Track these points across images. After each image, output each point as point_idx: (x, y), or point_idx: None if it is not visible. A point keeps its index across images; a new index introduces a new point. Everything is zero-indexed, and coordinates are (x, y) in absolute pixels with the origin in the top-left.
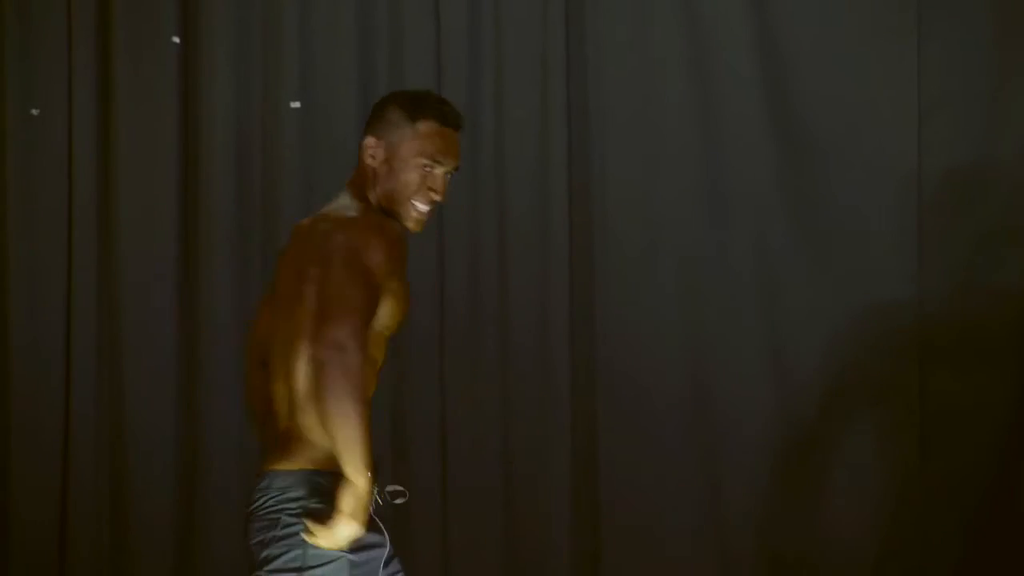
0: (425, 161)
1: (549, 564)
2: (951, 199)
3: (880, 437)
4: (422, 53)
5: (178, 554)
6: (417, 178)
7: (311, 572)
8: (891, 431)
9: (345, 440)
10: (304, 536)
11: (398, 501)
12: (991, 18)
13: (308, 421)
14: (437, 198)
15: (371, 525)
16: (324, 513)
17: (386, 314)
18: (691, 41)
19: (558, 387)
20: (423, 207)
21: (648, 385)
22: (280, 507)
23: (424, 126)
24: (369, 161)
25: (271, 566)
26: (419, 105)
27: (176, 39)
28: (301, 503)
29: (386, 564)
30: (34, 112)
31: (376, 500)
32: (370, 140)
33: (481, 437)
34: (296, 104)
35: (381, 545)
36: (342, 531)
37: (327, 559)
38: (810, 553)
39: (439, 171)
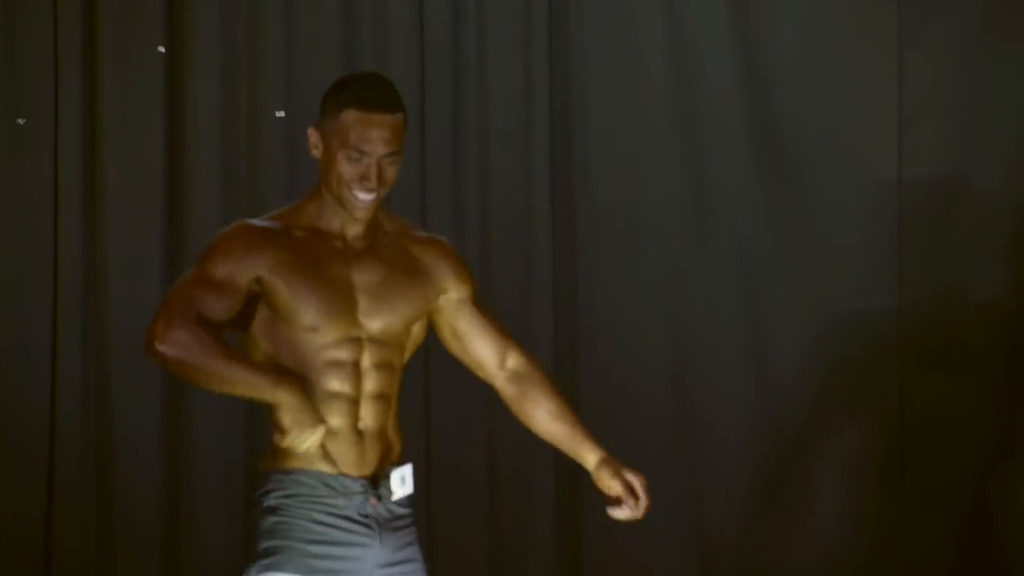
0: (350, 152)
1: (532, 569)
2: (931, 209)
3: (861, 445)
4: (406, 63)
5: (164, 554)
6: (348, 169)
7: None
8: (872, 439)
9: (235, 383)
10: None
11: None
12: (972, 28)
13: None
14: (370, 186)
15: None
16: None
17: (294, 312)
18: (673, 50)
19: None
20: (364, 196)
21: (631, 392)
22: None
23: (346, 115)
24: (313, 152)
25: None
26: (340, 93)
27: (162, 48)
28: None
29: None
30: (20, 122)
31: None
32: (311, 131)
33: (465, 445)
34: (281, 113)
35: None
36: (299, 441)
37: None
38: (792, 560)
39: (367, 160)
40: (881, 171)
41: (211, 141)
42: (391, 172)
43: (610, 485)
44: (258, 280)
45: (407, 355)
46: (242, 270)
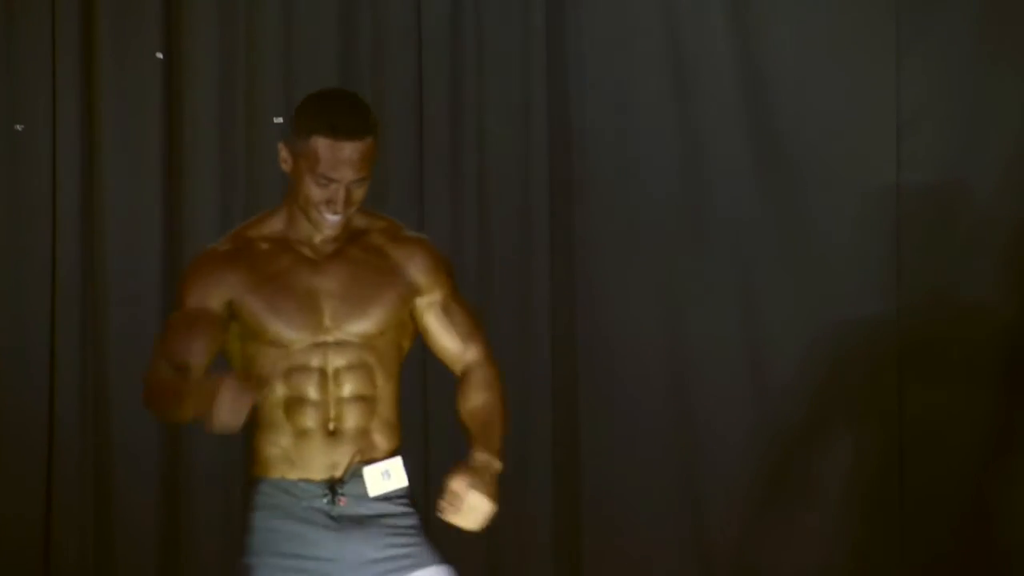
0: (318, 177)
1: (531, 571)
2: (929, 213)
3: (859, 451)
4: (404, 70)
5: (162, 557)
6: (316, 192)
7: None
8: (870, 445)
9: (186, 406)
10: None
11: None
12: (970, 34)
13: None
14: (337, 209)
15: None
16: None
17: (259, 327)
18: (671, 56)
19: (539, 402)
20: (332, 217)
21: (628, 399)
22: None
23: (315, 141)
24: (283, 166)
25: None
26: (309, 117)
27: (160, 55)
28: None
29: None
30: (18, 128)
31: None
32: (281, 146)
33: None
34: (279, 120)
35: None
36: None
37: None
38: (791, 563)
39: (335, 186)
40: (879, 175)
41: (209, 147)
42: (359, 194)
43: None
44: (230, 304)
45: (398, 352)
46: (213, 300)
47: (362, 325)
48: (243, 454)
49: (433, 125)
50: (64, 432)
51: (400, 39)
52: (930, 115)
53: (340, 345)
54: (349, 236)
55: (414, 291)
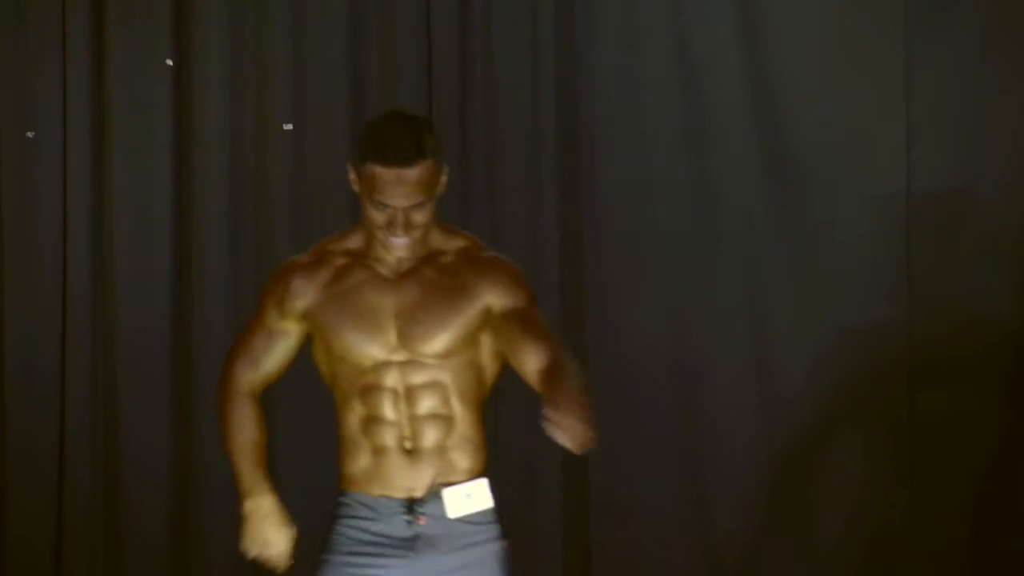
0: (375, 203)
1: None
2: (939, 221)
3: (869, 458)
4: (414, 77)
5: (173, 566)
6: (376, 216)
7: None
8: (880, 452)
9: (231, 462)
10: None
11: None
12: (978, 42)
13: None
14: (398, 233)
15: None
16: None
17: (329, 342)
18: (680, 66)
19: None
20: (396, 240)
21: (636, 404)
22: None
23: (369, 168)
24: (353, 187)
25: None
26: (365, 142)
27: (170, 62)
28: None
29: None
30: (29, 134)
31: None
32: (349, 168)
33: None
34: (289, 126)
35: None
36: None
37: None
38: (799, 570)
39: (391, 211)
40: (889, 183)
41: (219, 154)
42: (420, 218)
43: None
44: (305, 314)
45: (477, 372)
46: (289, 311)
47: (431, 345)
48: None
49: (441, 130)
50: (74, 446)
51: (409, 44)
52: (939, 122)
53: (411, 364)
54: (426, 256)
55: (489, 309)
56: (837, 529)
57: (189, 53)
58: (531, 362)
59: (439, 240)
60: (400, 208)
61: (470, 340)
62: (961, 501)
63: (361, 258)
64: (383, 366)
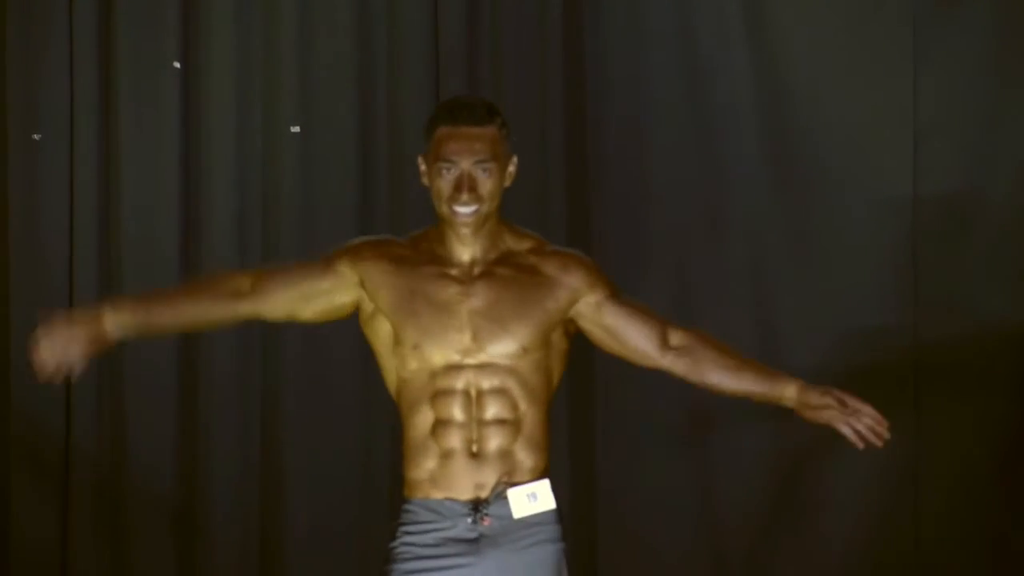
0: (442, 164)
1: None
2: (946, 225)
3: (875, 462)
4: (421, 79)
5: (178, 565)
6: (441, 184)
7: None
8: (886, 456)
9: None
10: None
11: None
12: (986, 45)
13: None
14: (464, 199)
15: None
16: None
17: (400, 329)
18: (688, 68)
19: (555, 407)
20: (461, 209)
21: (643, 407)
22: None
23: (438, 132)
24: (423, 181)
25: None
26: (436, 113)
27: (177, 64)
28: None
29: None
30: (36, 137)
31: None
32: (419, 160)
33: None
34: (296, 128)
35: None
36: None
37: None
38: (803, 573)
39: (457, 170)
40: (896, 187)
41: (226, 156)
42: (486, 184)
43: (819, 405)
44: (363, 284)
45: (545, 375)
46: (351, 267)
47: (506, 345)
48: (261, 468)
49: None
50: (80, 445)
51: (417, 47)
52: (946, 126)
53: (484, 368)
54: (498, 257)
55: (573, 299)
56: (842, 530)
57: (196, 55)
58: (646, 342)
59: (511, 241)
60: (465, 170)
61: (545, 337)
62: (967, 504)
63: (436, 257)
64: (456, 369)
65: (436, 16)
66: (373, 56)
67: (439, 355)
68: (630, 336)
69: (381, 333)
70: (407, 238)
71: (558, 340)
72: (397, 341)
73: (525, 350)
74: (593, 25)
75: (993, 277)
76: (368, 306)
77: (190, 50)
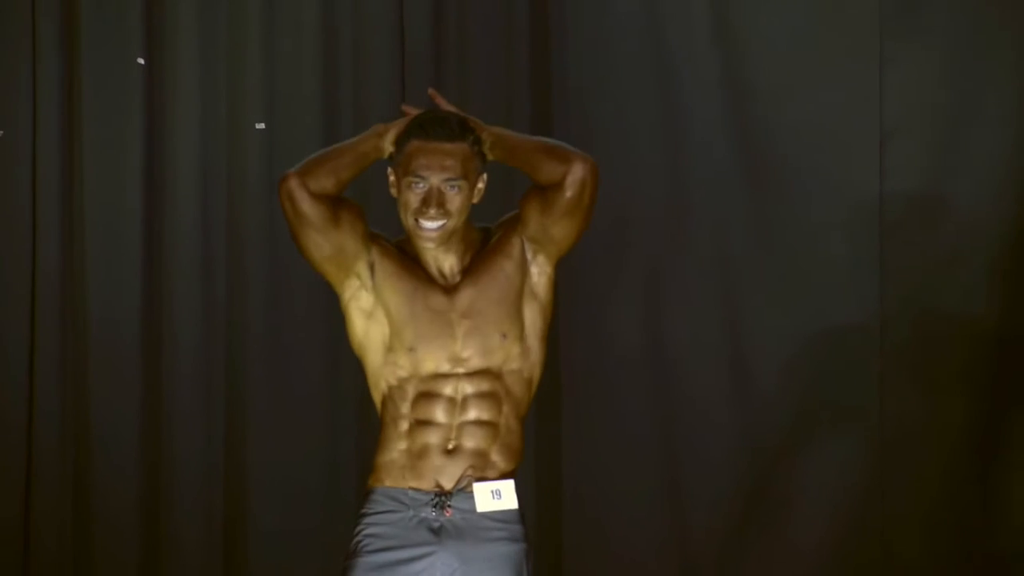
0: (412, 179)
1: None
2: (912, 223)
3: (841, 459)
4: (386, 76)
5: (143, 554)
6: (410, 197)
7: None
8: (852, 453)
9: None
10: None
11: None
12: (951, 45)
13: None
14: (431, 214)
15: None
16: None
17: (399, 327)
18: (655, 67)
19: None
20: (427, 224)
21: (611, 406)
22: None
23: (409, 146)
24: (392, 192)
25: None
26: (408, 127)
27: (141, 60)
28: None
29: None
30: None
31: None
32: (389, 172)
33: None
34: (261, 125)
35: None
36: None
37: None
38: (771, 573)
39: (426, 185)
40: (862, 186)
41: (191, 152)
42: (455, 200)
43: None
44: (370, 251)
45: (531, 385)
46: (375, 246)
47: (489, 337)
48: (225, 449)
49: None
50: (44, 430)
51: (382, 44)
52: (912, 125)
53: (469, 375)
54: (471, 259)
55: (518, 242)
56: (810, 529)
57: (161, 52)
58: (548, 195)
59: (478, 241)
60: (435, 186)
61: (519, 311)
62: (932, 501)
63: (420, 262)
64: (444, 377)
65: (402, 14)
66: (338, 54)
67: (431, 361)
68: (544, 202)
69: (375, 335)
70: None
71: (538, 349)
72: (392, 341)
73: (504, 335)
74: (559, 26)
75: (959, 276)
76: (367, 298)
77: (154, 46)
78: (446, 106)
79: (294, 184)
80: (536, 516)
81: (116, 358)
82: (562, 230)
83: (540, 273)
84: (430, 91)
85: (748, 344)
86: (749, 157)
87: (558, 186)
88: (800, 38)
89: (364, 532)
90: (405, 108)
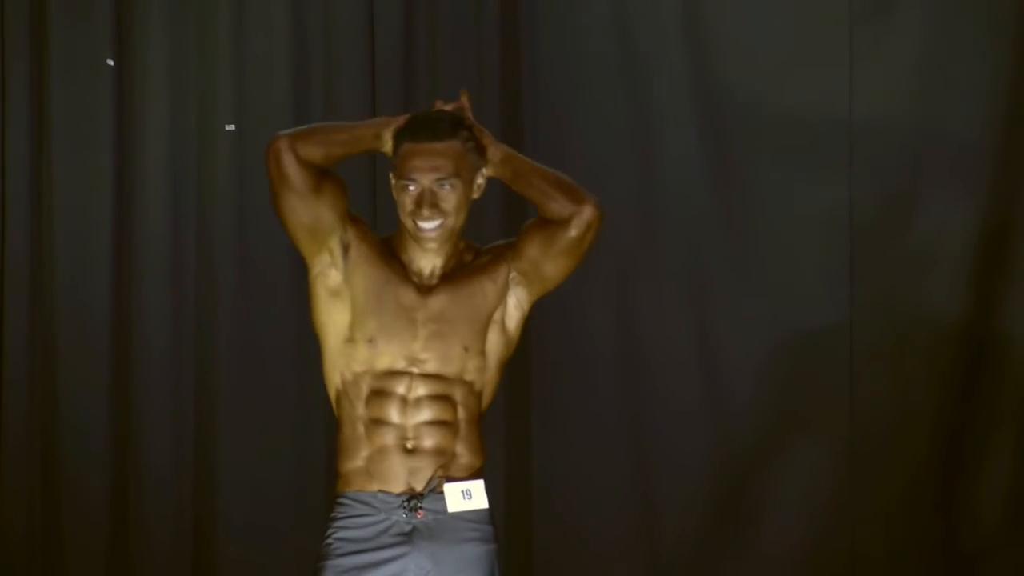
0: (404, 181)
1: None
2: (882, 223)
3: (812, 460)
4: (357, 78)
5: (112, 539)
6: (404, 199)
7: None
8: (822, 454)
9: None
10: None
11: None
12: (922, 45)
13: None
14: (426, 214)
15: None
16: None
17: (361, 317)
18: (624, 65)
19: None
20: (424, 224)
21: (580, 403)
22: None
23: (402, 149)
24: (394, 194)
25: None
26: (401, 130)
27: (111, 61)
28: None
29: None
30: None
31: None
32: (391, 176)
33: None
34: (231, 126)
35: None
36: None
37: None
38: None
39: (418, 187)
40: (832, 186)
41: (161, 153)
42: (450, 199)
43: None
44: (347, 250)
45: (489, 388)
46: (354, 229)
47: (448, 351)
48: (195, 447)
49: None
50: (12, 418)
51: (352, 45)
52: (882, 125)
53: (424, 377)
54: (454, 268)
55: (504, 272)
56: (779, 530)
57: (130, 53)
58: (557, 230)
59: (467, 255)
60: (426, 187)
61: (485, 331)
62: (903, 501)
63: (401, 262)
64: (398, 374)
65: (372, 16)
66: (309, 56)
67: (388, 356)
68: (546, 237)
69: (336, 318)
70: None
71: (498, 343)
72: (353, 329)
73: (466, 349)
74: (529, 29)
75: (928, 276)
76: (335, 277)
77: (124, 47)
78: (468, 112)
79: (283, 145)
80: (506, 516)
81: (85, 358)
82: (555, 268)
83: (516, 307)
84: (462, 93)
85: (718, 344)
86: (719, 157)
87: (564, 223)
88: (770, 38)
89: (335, 536)
90: (439, 104)
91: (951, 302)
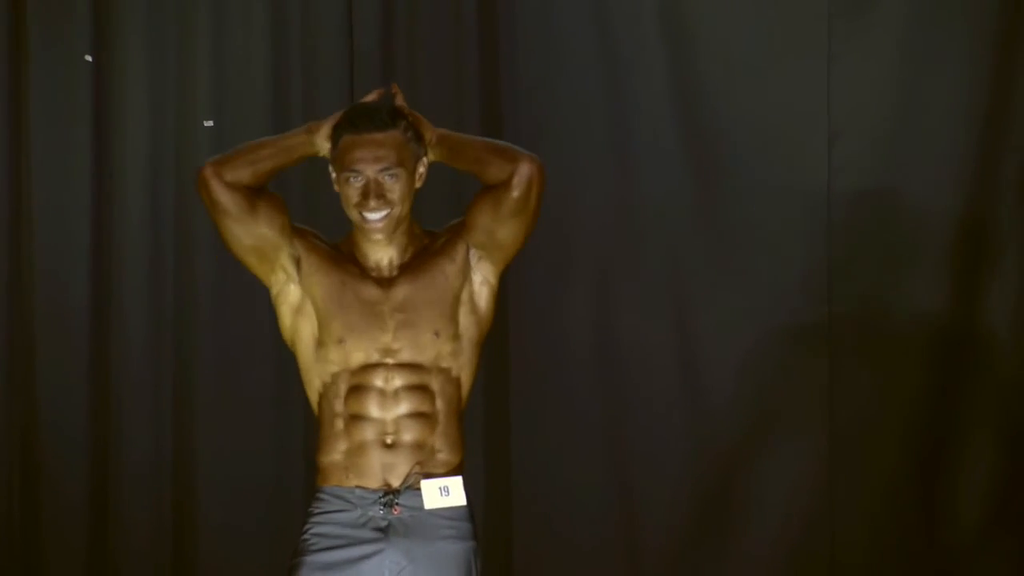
0: (347, 173)
1: None
2: (860, 220)
3: (792, 458)
4: (336, 75)
5: (91, 533)
6: (349, 191)
7: None
8: (802, 452)
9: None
10: None
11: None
12: (900, 42)
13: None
14: (372, 205)
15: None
16: None
17: (326, 320)
18: (604, 64)
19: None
20: (371, 216)
21: (559, 401)
22: None
23: (342, 141)
24: (335, 188)
25: None
26: (339, 123)
27: (89, 57)
28: None
29: None
30: None
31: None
32: (330, 169)
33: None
34: (210, 123)
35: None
36: None
37: None
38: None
39: (363, 178)
40: (811, 183)
41: (139, 149)
42: (395, 188)
43: None
44: (299, 262)
45: (464, 386)
46: (301, 242)
47: (419, 336)
48: (173, 443)
49: None
50: None
51: (331, 42)
52: (860, 121)
53: (400, 367)
54: (412, 255)
55: (463, 249)
56: (758, 530)
57: (109, 49)
58: (496, 195)
59: (423, 240)
60: (371, 178)
61: (455, 314)
62: (884, 498)
63: (357, 261)
64: (374, 368)
65: (351, 12)
66: (287, 52)
67: (361, 352)
68: (492, 204)
69: (304, 330)
70: (335, 243)
71: (472, 348)
72: (322, 334)
73: (437, 333)
74: (508, 26)
75: (907, 272)
76: (295, 292)
77: (102, 44)
78: (401, 101)
79: (208, 172)
80: (485, 514)
81: (64, 354)
82: (508, 232)
83: (483, 283)
84: (393, 86)
85: (697, 343)
86: (698, 155)
87: (505, 185)
88: (748, 36)
89: (311, 531)
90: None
91: (931, 299)
